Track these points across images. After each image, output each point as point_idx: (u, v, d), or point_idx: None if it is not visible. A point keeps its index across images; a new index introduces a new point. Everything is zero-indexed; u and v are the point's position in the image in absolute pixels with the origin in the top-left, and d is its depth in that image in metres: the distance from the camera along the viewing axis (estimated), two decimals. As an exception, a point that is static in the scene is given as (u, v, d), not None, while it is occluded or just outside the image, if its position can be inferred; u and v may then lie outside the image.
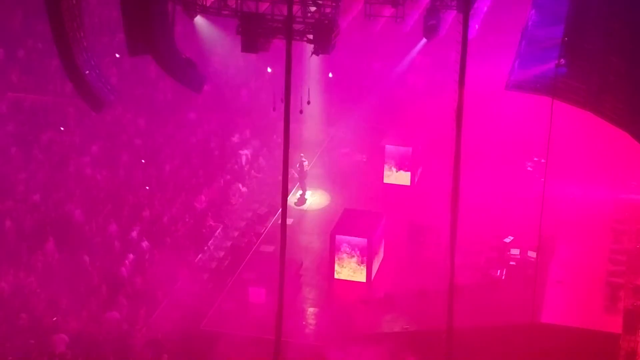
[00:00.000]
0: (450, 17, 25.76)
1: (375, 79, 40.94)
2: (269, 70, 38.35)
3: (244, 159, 36.70)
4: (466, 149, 22.51)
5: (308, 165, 35.60)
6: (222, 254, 31.60)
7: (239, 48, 24.18)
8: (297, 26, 23.04)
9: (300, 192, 35.04)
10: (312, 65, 35.49)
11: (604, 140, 32.74)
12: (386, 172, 35.56)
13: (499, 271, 30.11)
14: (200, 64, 27.28)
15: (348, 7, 25.48)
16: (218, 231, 32.37)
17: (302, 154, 35.14)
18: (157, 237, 31.11)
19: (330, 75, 39.23)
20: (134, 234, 30.86)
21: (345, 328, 27.60)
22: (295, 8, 22.58)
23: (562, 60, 22.78)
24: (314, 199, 35.12)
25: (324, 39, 23.38)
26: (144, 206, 32.47)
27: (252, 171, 36.30)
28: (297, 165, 34.87)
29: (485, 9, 27.66)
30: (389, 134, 36.68)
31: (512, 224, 31.71)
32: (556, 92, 23.23)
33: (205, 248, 31.43)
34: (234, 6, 23.72)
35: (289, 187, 28.90)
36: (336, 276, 30.06)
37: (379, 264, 30.72)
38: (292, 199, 34.62)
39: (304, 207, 34.69)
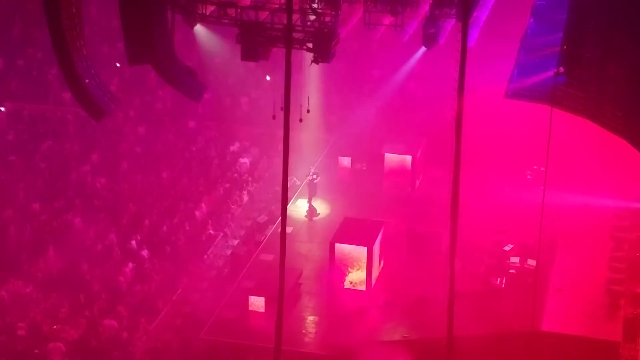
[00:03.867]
0: (450, 26, 25.75)
1: (374, 87, 40.90)
2: (269, 78, 38.36)
3: (243, 167, 36.70)
4: (466, 157, 22.48)
5: (317, 179, 35.20)
6: (221, 262, 31.61)
7: (238, 57, 24.20)
8: (296, 35, 23.05)
9: (308, 204, 34.65)
10: (311, 74, 35.51)
11: (603, 148, 32.70)
12: None
13: (498, 279, 30.08)
14: (200, 73, 27.27)
15: (347, 16, 25.49)
16: (218, 240, 32.36)
17: (311, 167, 34.98)
18: (157, 245, 31.10)
19: None
20: (134, 242, 30.85)
21: (345, 336, 27.55)
22: (295, 17, 22.60)
23: (561, 68, 22.75)
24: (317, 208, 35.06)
25: (323, 47, 23.39)
26: (144, 215, 32.46)
27: (252, 179, 36.29)
28: (313, 178, 34.55)
29: (485, 17, 27.67)
30: (389, 142, 36.66)
31: (512, 232, 31.68)
32: (555, 101, 23.19)
33: (205, 257, 31.42)
34: (233, 15, 23.74)
35: (289, 195, 28.82)
36: (337, 285, 30.04)
37: (378, 272, 30.70)
38: (302, 211, 34.38)
39: (315, 218, 34.30)
